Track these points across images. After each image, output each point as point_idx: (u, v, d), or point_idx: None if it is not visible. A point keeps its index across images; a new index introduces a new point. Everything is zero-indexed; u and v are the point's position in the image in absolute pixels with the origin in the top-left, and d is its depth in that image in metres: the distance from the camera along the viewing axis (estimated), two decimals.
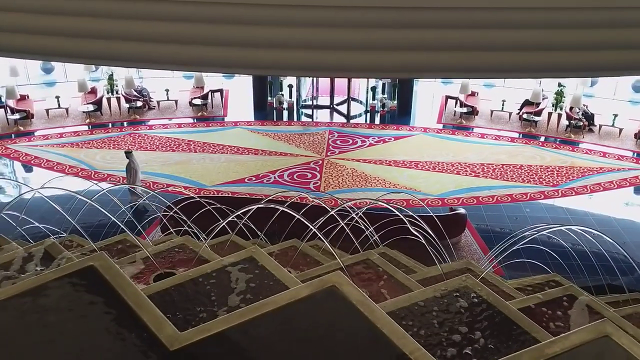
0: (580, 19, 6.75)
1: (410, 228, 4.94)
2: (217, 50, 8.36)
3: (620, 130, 15.29)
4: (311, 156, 14.19)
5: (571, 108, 15.87)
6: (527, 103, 16.39)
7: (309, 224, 3.99)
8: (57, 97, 16.27)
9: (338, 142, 15.11)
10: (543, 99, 16.40)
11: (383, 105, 17.13)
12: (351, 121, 16.95)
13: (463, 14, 7.09)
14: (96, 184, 8.33)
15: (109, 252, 4.18)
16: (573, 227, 5.28)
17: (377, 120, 17.01)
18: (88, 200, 4.26)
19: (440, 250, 5.56)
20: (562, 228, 5.38)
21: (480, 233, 10.89)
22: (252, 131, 15.82)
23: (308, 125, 16.59)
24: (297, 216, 3.95)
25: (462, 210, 10.83)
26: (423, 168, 13.67)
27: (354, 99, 17.65)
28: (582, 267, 6.25)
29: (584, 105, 15.94)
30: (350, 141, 15.16)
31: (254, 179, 13.01)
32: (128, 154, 11.57)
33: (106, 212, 4.14)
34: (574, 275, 5.94)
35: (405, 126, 16.36)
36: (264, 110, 17.18)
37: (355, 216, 5.61)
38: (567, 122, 15.73)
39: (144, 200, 6.30)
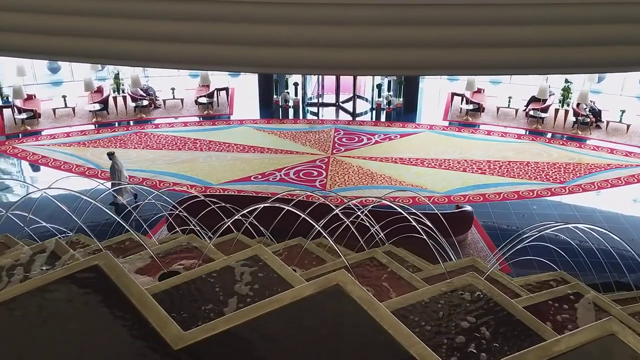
0: (583, 15, 6.73)
1: (416, 226, 4.93)
2: (222, 49, 8.36)
3: (628, 126, 15.19)
4: (317, 154, 14.19)
5: (578, 104, 15.77)
6: (533, 99, 16.30)
7: (313, 223, 3.98)
8: (64, 97, 16.34)
9: (344, 139, 15.10)
10: (550, 96, 16.31)
11: (389, 103, 17.09)
12: (357, 119, 16.93)
13: (467, 10, 7.07)
14: (102, 183, 8.35)
15: (114, 251, 4.20)
16: (580, 225, 5.25)
17: (383, 117, 16.98)
18: (93, 201, 4.27)
19: (446, 247, 5.54)
20: (569, 226, 5.35)
21: (487, 230, 10.85)
22: (258, 129, 15.83)
23: (314, 123, 16.59)
24: (303, 215, 3.94)
25: (468, 208, 10.80)
26: (429, 165, 13.64)
27: (359, 97, 17.62)
28: (589, 264, 6.22)
29: (591, 101, 15.84)
30: (356, 139, 15.14)
31: (260, 177, 13.02)
32: (110, 155, 11.55)
33: (111, 213, 4.15)
34: (581, 272, 5.91)
35: (411, 123, 16.32)
36: (270, 108, 17.19)
37: (360, 214, 5.60)
38: (574, 119, 15.63)
39: (148, 199, 6.31)
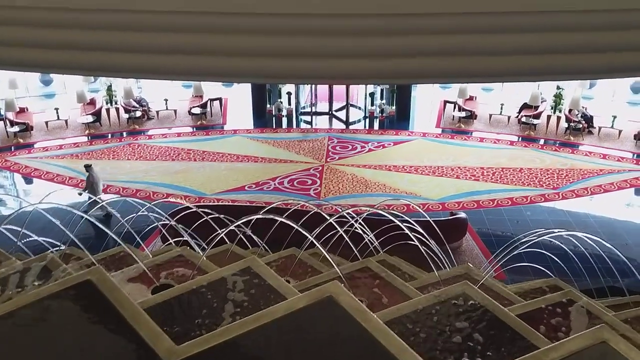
0: (585, 22, 6.80)
1: (409, 234, 4.94)
2: (222, 60, 8.36)
3: (620, 131, 15.28)
4: (311, 162, 14.20)
5: (570, 110, 15.87)
6: (525, 106, 16.39)
7: (307, 234, 3.99)
8: (57, 109, 16.31)
9: (338, 148, 15.13)
10: (542, 102, 16.41)
11: (382, 111, 17.15)
12: (350, 127, 16.97)
13: (462, 19, 7.12)
14: (96, 198, 8.35)
15: (107, 264, 4.18)
16: (576, 233, 5.27)
17: (376, 125, 17.03)
18: (84, 215, 4.27)
19: (441, 255, 5.55)
20: (564, 234, 5.38)
21: (482, 237, 10.87)
22: (252, 139, 15.84)
23: (307, 131, 16.61)
24: (296, 227, 3.94)
25: (462, 215, 10.82)
26: (423, 173, 13.67)
27: (352, 105, 17.67)
28: (584, 270, 6.24)
29: (583, 107, 15.94)
30: (350, 147, 15.18)
31: (254, 186, 13.01)
32: (87, 167, 11.50)
33: (102, 226, 4.14)
34: (575, 278, 5.92)
35: (404, 131, 16.38)
36: (263, 117, 17.21)
37: (355, 223, 5.61)
38: (566, 125, 15.73)
39: (142, 211, 6.28)
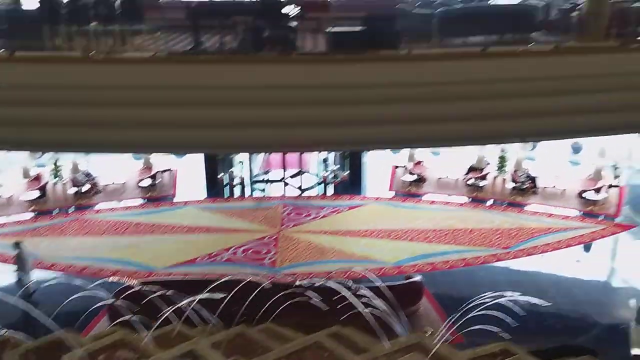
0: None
1: (358, 306, 4.89)
2: (173, 132, 8.37)
3: (563, 191, 15.85)
4: (266, 231, 14.08)
5: (515, 171, 16.45)
6: (472, 169, 16.89)
7: (257, 311, 3.89)
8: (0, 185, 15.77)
9: (292, 215, 15.08)
10: (487, 165, 16.96)
11: (335, 176, 17.32)
12: (304, 193, 17.01)
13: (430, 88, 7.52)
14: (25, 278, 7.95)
15: (46, 352, 3.93)
16: (528, 299, 5.40)
17: (330, 191, 17.13)
18: (20, 300, 4.05)
19: (397, 321, 5.49)
20: (516, 297, 5.51)
21: (438, 300, 10.85)
22: (204, 209, 15.65)
23: (261, 200, 16.55)
24: (244, 305, 3.85)
25: (418, 278, 10.82)
26: (378, 236, 13.73)
27: (305, 172, 17.78)
28: (538, 329, 6.31)
29: (525, 168, 16.56)
30: (305, 213, 15.16)
31: (207, 258, 12.74)
32: (17, 244, 11.01)
33: (38, 311, 3.94)
34: (531, 337, 5.96)
35: (358, 196, 16.53)
36: (216, 187, 17.05)
37: (307, 294, 5.52)
38: (512, 185, 16.21)
39: (89, 288, 6.02)
